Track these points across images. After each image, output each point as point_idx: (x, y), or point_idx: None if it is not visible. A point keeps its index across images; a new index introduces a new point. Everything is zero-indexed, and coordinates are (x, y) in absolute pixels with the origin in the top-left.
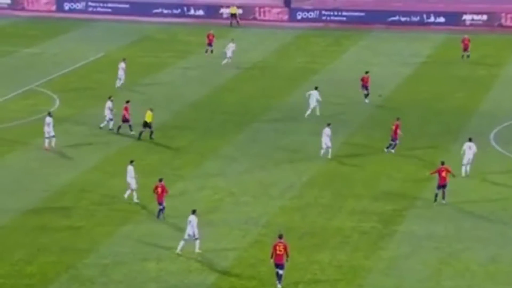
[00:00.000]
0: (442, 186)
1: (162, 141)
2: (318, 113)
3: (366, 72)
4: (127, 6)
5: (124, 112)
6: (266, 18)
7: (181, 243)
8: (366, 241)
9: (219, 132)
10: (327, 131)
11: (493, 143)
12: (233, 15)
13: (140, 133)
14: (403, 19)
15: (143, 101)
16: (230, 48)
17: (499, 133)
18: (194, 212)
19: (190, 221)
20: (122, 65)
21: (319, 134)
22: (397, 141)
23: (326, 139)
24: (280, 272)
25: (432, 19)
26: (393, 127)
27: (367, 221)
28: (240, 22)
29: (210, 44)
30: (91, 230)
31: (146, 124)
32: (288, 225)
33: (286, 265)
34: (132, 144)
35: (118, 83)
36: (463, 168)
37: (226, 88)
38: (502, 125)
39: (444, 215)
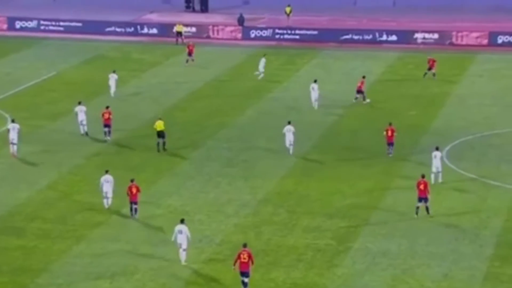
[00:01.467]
0: (422, 199)
1: (116, 159)
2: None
3: (363, 77)
4: (79, 24)
5: (106, 116)
6: (220, 36)
7: (180, 250)
8: (320, 259)
9: (173, 150)
10: (290, 128)
11: (446, 160)
12: (179, 33)
13: (158, 144)
14: (355, 37)
15: (97, 119)
16: (262, 62)
17: (452, 150)
18: (182, 221)
19: (181, 231)
20: (114, 75)
21: (273, 152)
22: (393, 146)
23: (290, 135)
24: (246, 280)
25: (384, 37)
26: (387, 133)
27: (322, 238)
28: (185, 40)
29: (190, 54)
30: (44, 249)
31: (160, 134)
32: (243, 242)
33: (251, 273)
34: (85, 163)
35: (112, 92)
36: (432, 176)
37: (180, 107)
38: (455, 142)
39: (399, 231)
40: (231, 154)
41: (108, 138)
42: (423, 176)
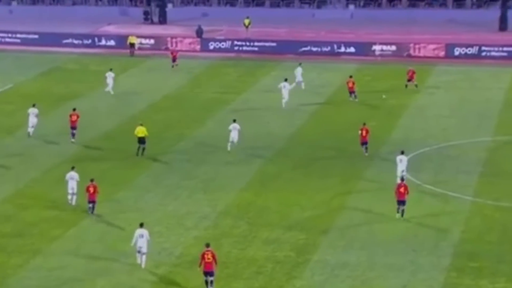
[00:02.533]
0: (400, 202)
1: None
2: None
3: (350, 76)
4: (36, 36)
5: (73, 118)
6: (178, 48)
7: (138, 256)
8: (280, 271)
9: (132, 162)
10: (236, 126)
11: (405, 172)
12: (132, 45)
13: (138, 149)
14: (314, 49)
15: (55, 131)
16: (299, 72)
17: (410, 162)
18: (142, 225)
19: (142, 235)
20: (110, 74)
21: (233, 163)
22: (367, 145)
23: (234, 133)
24: (210, 279)
25: (342, 49)
26: (362, 132)
27: (281, 250)
28: (136, 52)
29: (174, 60)
30: (0, 264)
31: (140, 140)
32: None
33: (215, 272)
34: (42, 176)
35: (107, 88)
36: (398, 180)
37: (139, 119)
38: (413, 154)
39: (357, 243)
40: (190, 166)
41: (73, 140)
42: (402, 179)
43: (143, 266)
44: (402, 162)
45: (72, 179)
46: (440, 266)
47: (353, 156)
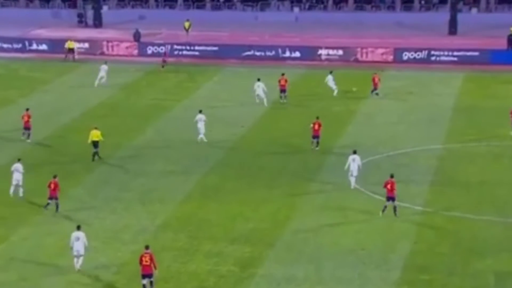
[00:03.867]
0: (389, 198)
1: (4, 184)
2: (266, 104)
3: (282, 74)
4: None
5: (26, 119)
6: (115, 52)
7: (75, 260)
8: (223, 285)
9: (66, 173)
10: (202, 116)
11: (349, 184)
12: (70, 50)
13: (93, 155)
14: (258, 53)
15: None
16: (330, 80)
17: (358, 171)
18: (79, 228)
19: (78, 238)
20: (104, 67)
21: (172, 174)
22: (319, 139)
23: (201, 124)
24: (145, 281)
25: (287, 53)
26: (314, 126)
27: (224, 264)
28: (77, 57)
29: (164, 61)
30: None
31: (95, 145)
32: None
33: (155, 275)
34: None
35: (97, 82)
36: (352, 180)
37: (72, 128)
38: (360, 162)
39: (304, 256)
40: (128, 177)
41: (28, 140)
42: (391, 176)
43: (78, 267)
44: (354, 162)
45: (18, 171)
46: (389, 279)
47: (299, 165)
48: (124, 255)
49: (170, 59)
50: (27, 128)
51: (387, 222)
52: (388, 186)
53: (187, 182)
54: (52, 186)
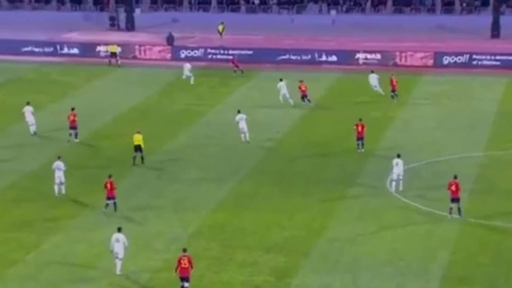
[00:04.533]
0: (454, 200)
1: (32, 192)
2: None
3: (301, 81)
4: None
5: (71, 118)
6: (147, 56)
7: (116, 261)
8: None
9: (98, 180)
10: (242, 116)
11: (390, 189)
12: (113, 54)
13: (134, 158)
14: (293, 57)
15: (15, 146)
16: (374, 79)
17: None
18: (120, 230)
19: (118, 239)
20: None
21: (205, 181)
22: (363, 140)
23: (242, 123)
24: (186, 285)
25: (324, 57)
26: (357, 128)
27: (259, 274)
28: (120, 61)
29: (237, 66)
30: None
31: (137, 148)
32: (174, 280)
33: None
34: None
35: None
36: (393, 184)
37: (104, 133)
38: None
39: (341, 266)
40: (160, 184)
41: (76, 140)
42: (455, 177)
43: (118, 272)
44: (398, 166)
45: (59, 169)
46: None
47: (336, 171)
48: (156, 264)
49: (202, 63)
50: (73, 127)
51: (425, 231)
52: (453, 187)
53: (221, 189)
54: (109, 186)
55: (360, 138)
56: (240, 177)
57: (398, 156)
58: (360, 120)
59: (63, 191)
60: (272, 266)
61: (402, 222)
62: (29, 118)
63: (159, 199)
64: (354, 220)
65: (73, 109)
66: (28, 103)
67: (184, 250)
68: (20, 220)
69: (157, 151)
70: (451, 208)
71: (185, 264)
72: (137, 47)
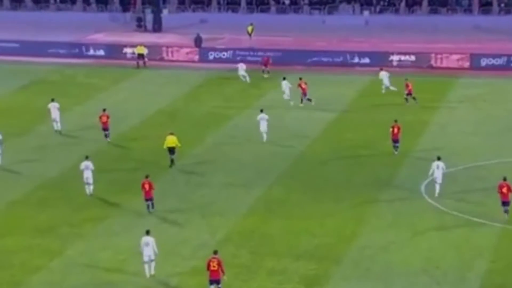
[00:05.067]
0: (505, 203)
1: (58, 195)
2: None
3: (300, 78)
4: (16, 45)
5: (104, 119)
6: (175, 58)
7: (146, 266)
8: None
9: (124, 184)
10: (264, 116)
11: (425, 195)
12: (140, 55)
13: (171, 161)
14: (324, 59)
15: (37, 149)
16: (385, 77)
17: (431, 184)
18: (148, 233)
19: (148, 243)
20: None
21: (234, 186)
22: (399, 143)
23: (263, 123)
24: (218, 287)
25: (356, 59)
26: (393, 130)
27: (289, 282)
28: (147, 63)
29: (265, 66)
30: None
31: (171, 151)
32: (201, 287)
33: (222, 281)
34: (22, 200)
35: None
36: (436, 188)
37: (131, 137)
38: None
39: (373, 274)
40: (187, 189)
41: (108, 140)
42: (504, 179)
43: (152, 272)
44: (439, 169)
45: (87, 168)
46: None
47: (367, 177)
48: (184, 271)
49: (232, 65)
50: (105, 129)
51: (462, 239)
52: (504, 190)
53: (249, 194)
54: (147, 187)
55: (395, 140)
56: (269, 182)
57: (439, 158)
58: (396, 121)
59: (91, 191)
60: (302, 274)
61: (438, 228)
62: (55, 114)
63: (186, 204)
64: (387, 226)
65: (104, 110)
66: (53, 100)
67: (215, 252)
68: (44, 226)
69: (184, 155)
70: (505, 211)
71: (214, 266)
72: (164, 48)
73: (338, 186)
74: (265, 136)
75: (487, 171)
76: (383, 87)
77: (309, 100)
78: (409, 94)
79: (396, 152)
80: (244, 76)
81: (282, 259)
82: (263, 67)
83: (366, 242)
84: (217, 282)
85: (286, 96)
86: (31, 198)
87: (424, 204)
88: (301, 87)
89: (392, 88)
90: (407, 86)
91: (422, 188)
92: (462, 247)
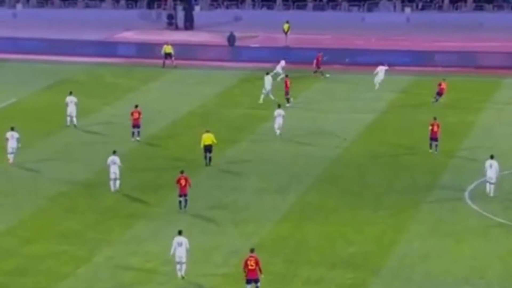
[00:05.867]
0: None
1: (85, 200)
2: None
3: (286, 76)
4: (44, 44)
5: (135, 116)
6: (207, 57)
7: (178, 267)
8: None
9: (153, 188)
10: (280, 112)
11: (469, 201)
12: (168, 55)
13: (206, 158)
14: (364, 58)
15: (63, 151)
16: (381, 72)
17: (476, 190)
18: (180, 233)
19: (181, 243)
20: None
21: (267, 191)
22: (438, 141)
23: (279, 119)
24: (256, 285)
25: (397, 58)
26: (433, 127)
27: None
28: (175, 62)
29: (318, 67)
30: None
31: (207, 149)
32: (250, 248)
33: (261, 280)
34: (49, 205)
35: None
36: (488, 186)
37: (160, 138)
38: (479, 181)
39: (413, 284)
40: (220, 194)
41: (138, 138)
42: None
43: (183, 274)
44: (492, 168)
45: (114, 163)
46: None
47: (407, 182)
48: (215, 279)
49: (266, 65)
50: (136, 125)
51: (508, 248)
52: None
53: (284, 200)
54: (183, 182)
55: (434, 138)
56: (304, 188)
57: (492, 157)
58: (435, 119)
59: (117, 187)
60: (338, 283)
61: (482, 236)
62: (72, 109)
63: (218, 209)
64: (428, 233)
65: (136, 106)
66: (71, 93)
67: (252, 250)
68: (71, 232)
69: (216, 158)
70: None
71: (251, 265)
72: (195, 47)
73: (377, 192)
74: (278, 132)
75: None
76: (377, 81)
77: (287, 99)
78: (439, 93)
79: (436, 152)
80: (278, 74)
81: (317, 268)
82: (316, 67)
83: (406, 250)
84: (256, 281)
85: (264, 91)
86: (57, 204)
87: (468, 210)
88: (286, 84)
89: (377, 84)
90: (439, 85)
91: (467, 193)
92: (507, 257)
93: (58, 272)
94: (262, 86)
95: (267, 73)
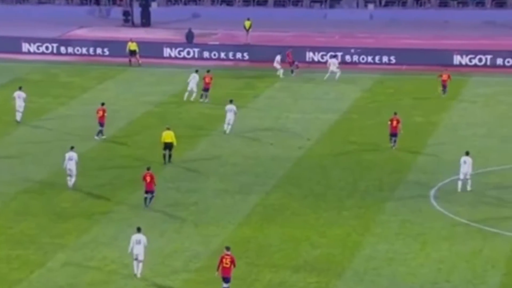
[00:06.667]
0: None
1: (38, 203)
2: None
3: (208, 71)
4: None
5: (100, 114)
6: (164, 55)
7: (134, 264)
8: None
9: (110, 190)
10: (232, 107)
11: (434, 202)
12: (133, 52)
13: (164, 156)
14: (326, 56)
15: (18, 152)
16: (334, 61)
17: (441, 191)
18: (139, 230)
19: (139, 241)
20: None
21: (228, 193)
22: (397, 137)
23: (230, 115)
24: (225, 285)
25: (360, 56)
26: (392, 123)
27: None
28: (141, 60)
29: (293, 65)
30: None
31: (166, 146)
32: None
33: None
34: (1, 207)
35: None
36: (459, 184)
37: (117, 139)
38: (444, 182)
39: (378, 287)
40: (180, 195)
41: (103, 137)
42: None
43: (138, 275)
44: (466, 164)
45: (71, 159)
46: None
47: (372, 183)
48: (175, 284)
49: (226, 63)
50: (101, 124)
51: (474, 250)
52: None
53: (245, 201)
54: (148, 178)
55: (394, 134)
56: (266, 189)
57: (467, 153)
58: (395, 114)
59: (72, 184)
60: (301, 287)
61: (448, 238)
62: (20, 103)
63: (177, 212)
64: (393, 236)
65: (103, 104)
66: (20, 88)
67: (227, 249)
68: (24, 236)
69: (174, 160)
70: None
71: (226, 263)
72: (153, 45)
73: (341, 193)
74: (229, 128)
75: (501, 178)
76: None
77: (205, 97)
78: (443, 85)
79: (394, 147)
80: (277, 70)
81: (280, 271)
82: (291, 64)
83: (371, 253)
84: (228, 280)
85: (189, 88)
86: (9, 207)
87: (433, 212)
88: (205, 81)
89: (338, 74)
90: (440, 76)
91: (431, 193)
92: (473, 259)
93: (10, 277)
94: (187, 83)
95: (196, 71)
